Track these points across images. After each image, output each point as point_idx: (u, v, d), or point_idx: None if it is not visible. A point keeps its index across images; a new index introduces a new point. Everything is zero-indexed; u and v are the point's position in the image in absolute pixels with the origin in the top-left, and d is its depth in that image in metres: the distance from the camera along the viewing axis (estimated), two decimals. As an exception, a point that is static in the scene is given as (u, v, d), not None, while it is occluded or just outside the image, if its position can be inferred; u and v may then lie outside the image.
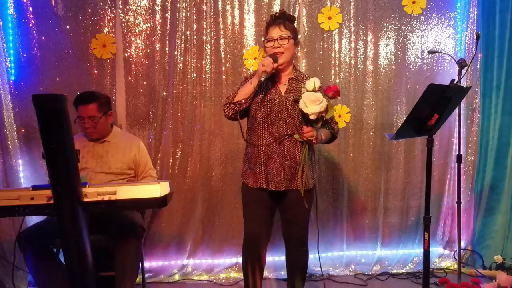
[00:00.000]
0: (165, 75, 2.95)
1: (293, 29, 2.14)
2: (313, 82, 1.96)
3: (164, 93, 2.96)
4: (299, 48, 3.05)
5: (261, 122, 2.10)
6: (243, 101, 2.06)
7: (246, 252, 2.25)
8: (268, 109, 2.08)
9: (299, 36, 3.04)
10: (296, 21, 2.99)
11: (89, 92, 2.50)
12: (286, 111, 2.08)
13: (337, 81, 3.09)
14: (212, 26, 2.96)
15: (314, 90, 1.96)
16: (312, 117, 1.95)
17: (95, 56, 2.87)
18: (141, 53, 2.93)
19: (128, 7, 2.89)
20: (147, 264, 2.96)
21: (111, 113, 2.56)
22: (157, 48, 2.93)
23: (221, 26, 2.97)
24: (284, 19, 2.12)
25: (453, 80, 2.02)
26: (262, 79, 1.97)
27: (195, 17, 2.94)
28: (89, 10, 2.85)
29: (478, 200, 3.25)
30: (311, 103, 1.93)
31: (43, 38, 2.81)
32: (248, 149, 2.20)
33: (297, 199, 2.12)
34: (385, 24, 3.12)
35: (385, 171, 3.19)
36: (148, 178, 2.59)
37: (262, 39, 2.20)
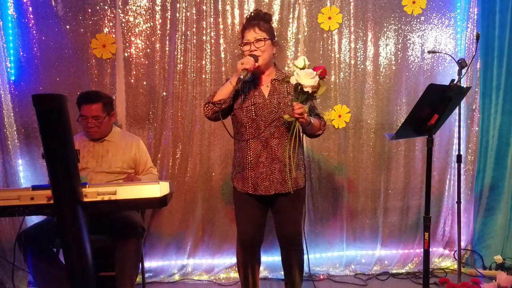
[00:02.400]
0: (165, 75, 2.95)
1: (268, 29, 2.10)
2: (303, 59, 1.93)
3: (164, 93, 2.96)
4: (299, 48, 3.05)
5: (248, 127, 2.07)
6: (222, 101, 2.02)
7: (240, 254, 2.26)
8: (253, 114, 2.06)
9: (299, 36, 3.05)
10: (296, 22, 3.02)
11: (93, 92, 2.51)
12: (272, 114, 2.05)
13: (337, 81, 3.09)
14: (212, 26, 2.96)
15: (304, 68, 1.93)
16: (307, 89, 1.90)
17: (95, 56, 2.87)
18: (141, 53, 2.93)
19: (128, 7, 2.89)
20: (147, 264, 2.96)
21: (113, 113, 2.57)
22: (157, 48, 2.93)
23: (221, 26, 2.97)
24: (258, 19, 2.09)
25: (453, 80, 2.02)
26: (242, 77, 1.93)
27: (195, 17, 2.94)
28: (89, 10, 2.85)
29: (478, 200, 3.25)
30: (306, 76, 1.90)
31: (43, 38, 2.81)
32: (236, 153, 2.19)
33: (288, 200, 2.11)
34: (385, 24, 3.12)
35: (385, 171, 3.19)
36: (150, 175, 2.59)
37: (239, 44, 2.17)
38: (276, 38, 2.19)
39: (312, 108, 2.18)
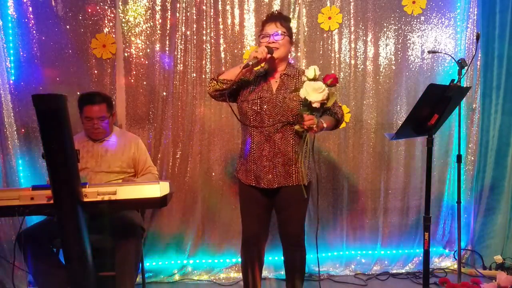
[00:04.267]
0: (165, 75, 2.95)
1: (288, 27, 2.14)
2: (313, 70, 1.95)
3: (164, 93, 2.96)
4: (299, 48, 3.05)
5: (252, 120, 2.09)
6: (225, 80, 2.05)
7: (244, 251, 2.26)
8: (258, 107, 2.07)
9: (299, 36, 3.05)
10: (296, 22, 3.02)
11: (96, 92, 2.51)
12: (276, 108, 2.06)
13: (337, 81, 3.09)
14: (212, 26, 2.96)
15: (314, 79, 1.95)
16: (315, 105, 1.92)
17: (95, 56, 2.87)
18: (141, 53, 2.93)
19: (128, 7, 2.89)
20: (147, 264, 2.96)
21: (115, 113, 2.59)
22: (157, 48, 2.93)
23: (221, 26, 2.97)
24: (280, 18, 2.13)
25: (453, 80, 2.02)
26: (250, 63, 1.95)
27: (195, 17, 2.94)
28: (89, 10, 2.85)
29: (478, 200, 3.25)
30: (314, 92, 1.91)
31: (43, 38, 2.81)
32: (241, 145, 2.21)
33: (292, 198, 2.11)
34: (385, 24, 3.12)
35: (385, 171, 3.19)
36: (149, 175, 2.59)
37: (258, 35, 2.20)
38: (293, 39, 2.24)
39: (328, 108, 2.16)
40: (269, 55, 2.02)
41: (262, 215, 2.21)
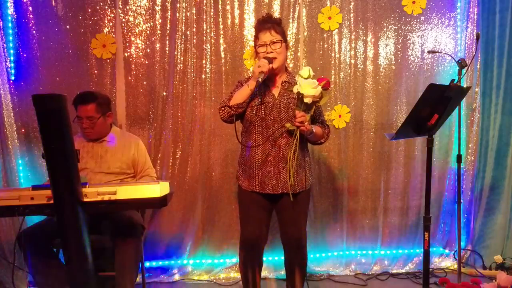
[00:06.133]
0: (165, 75, 2.95)
1: (282, 32, 2.13)
2: (308, 70, 1.96)
3: (164, 93, 2.96)
4: (299, 48, 3.05)
5: (256, 125, 2.10)
6: (239, 104, 2.06)
7: (243, 254, 2.25)
8: (263, 113, 2.08)
9: (299, 36, 3.05)
10: (296, 22, 3.03)
11: (88, 92, 2.50)
12: (281, 113, 2.07)
13: (337, 81, 3.09)
14: (212, 26, 2.96)
15: (308, 78, 1.96)
16: (307, 100, 1.93)
17: (95, 56, 2.87)
18: (141, 53, 2.93)
19: (128, 7, 2.89)
20: (147, 264, 2.96)
21: (110, 114, 2.55)
22: (157, 48, 2.93)
23: (221, 26, 2.98)
24: (272, 22, 2.11)
25: (453, 80, 2.02)
26: (260, 79, 1.96)
27: (195, 17, 2.94)
28: (89, 10, 2.85)
29: (478, 200, 3.25)
30: (307, 86, 1.93)
31: (43, 38, 2.81)
32: (243, 151, 2.20)
33: (293, 201, 2.11)
34: (385, 24, 3.12)
35: (385, 171, 3.19)
36: (147, 177, 2.58)
37: (252, 44, 2.20)
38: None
39: (318, 114, 2.19)
40: (271, 65, 2.04)
41: (263, 219, 2.20)
